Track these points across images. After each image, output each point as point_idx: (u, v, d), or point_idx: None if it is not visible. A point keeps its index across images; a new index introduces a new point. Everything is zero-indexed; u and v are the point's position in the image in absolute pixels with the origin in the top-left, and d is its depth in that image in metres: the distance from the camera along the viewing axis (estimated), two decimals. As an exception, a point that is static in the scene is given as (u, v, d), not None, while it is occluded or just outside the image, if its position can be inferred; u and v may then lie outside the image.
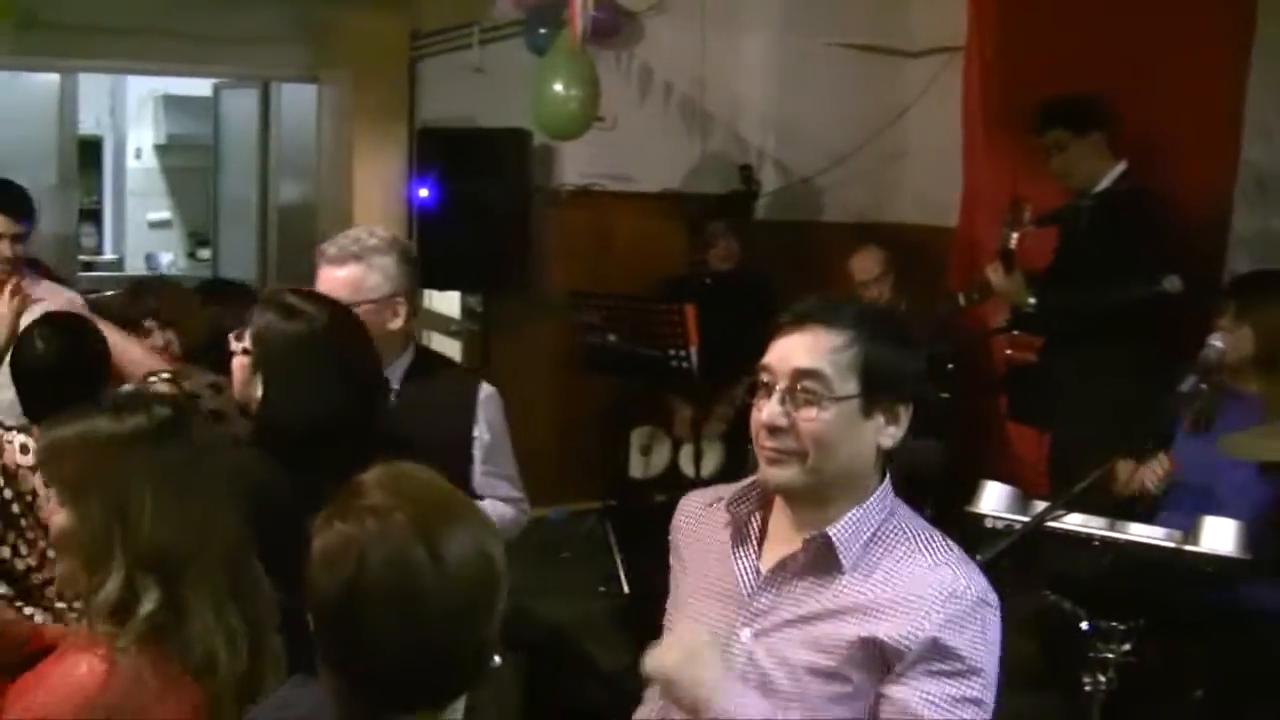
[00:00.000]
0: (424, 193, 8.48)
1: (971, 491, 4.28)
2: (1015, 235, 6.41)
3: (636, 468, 8.46)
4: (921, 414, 7.89)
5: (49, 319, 4.55)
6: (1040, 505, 4.18)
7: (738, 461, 7.20)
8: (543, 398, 8.31)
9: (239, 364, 3.63)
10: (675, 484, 7.77)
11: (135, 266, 13.92)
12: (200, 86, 13.03)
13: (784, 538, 2.76)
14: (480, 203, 8.31)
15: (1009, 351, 6.85)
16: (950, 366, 7.57)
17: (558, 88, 7.55)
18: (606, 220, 8.87)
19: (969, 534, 4.63)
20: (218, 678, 2.69)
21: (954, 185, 8.25)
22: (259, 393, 3.56)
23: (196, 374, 4.85)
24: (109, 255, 14.08)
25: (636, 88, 8.93)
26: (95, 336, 4.52)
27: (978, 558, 3.85)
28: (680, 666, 2.61)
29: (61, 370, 4.27)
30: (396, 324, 4.27)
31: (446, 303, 8.99)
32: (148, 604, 2.66)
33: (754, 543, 2.81)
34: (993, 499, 4.24)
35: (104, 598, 2.67)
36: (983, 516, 4.22)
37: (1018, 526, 4.11)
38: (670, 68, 8.99)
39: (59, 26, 9.29)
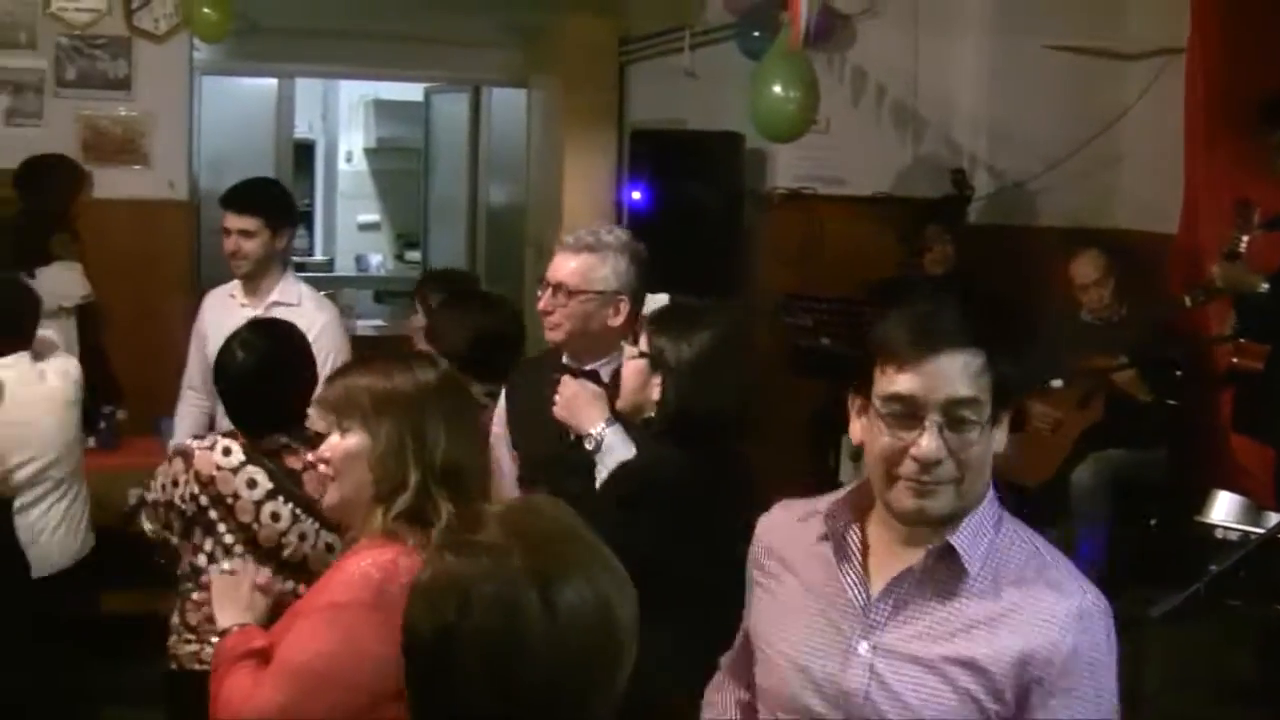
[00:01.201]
0: (636, 195, 8.53)
1: (1198, 502, 4.19)
2: (1245, 238, 6.26)
3: (847, 473, 8.41)
4: (1148, 424, 7.68)
5: (251, 326, 4.56)
6: (1273, 517, 4.07)
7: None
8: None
9: (636, 367, 3.88)
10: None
11: (345, 267, 14.28)
12: (410, 91, 13.32)
13: (891, 551, 2.68)
14: (691, 205, 8.35)
15: (1234, 360, 6.66)
16: (1178, 374, 7.40)
17: (776, 89, 7.51)
18: (817, 223, 8.81)
19: (1197, 544, 4.54)
20: None
21: (1173, 191, 8.06)
22: (655, 396, 3.83)
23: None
24: (319, 256, 14.42)
25: (849, 90, 8.87)
26: (298, 342, 4.50)
27: (1211, 568, 3.78)
28: None
29: (263, 378, 4.25)
30: (617, 321, 4.34)
31: (657, 305, 8.97)
32: (445, 516, 3.00)
33: (857, 554, 2.72)
34: (1223, 509, 4.16)
35: (402, 503, 3.03)
36: (1213, 527, 4.13)
37: (1251, 537, 4.01)
38: (883, 70, 8.93)
39: (278, 32, 9.55)
